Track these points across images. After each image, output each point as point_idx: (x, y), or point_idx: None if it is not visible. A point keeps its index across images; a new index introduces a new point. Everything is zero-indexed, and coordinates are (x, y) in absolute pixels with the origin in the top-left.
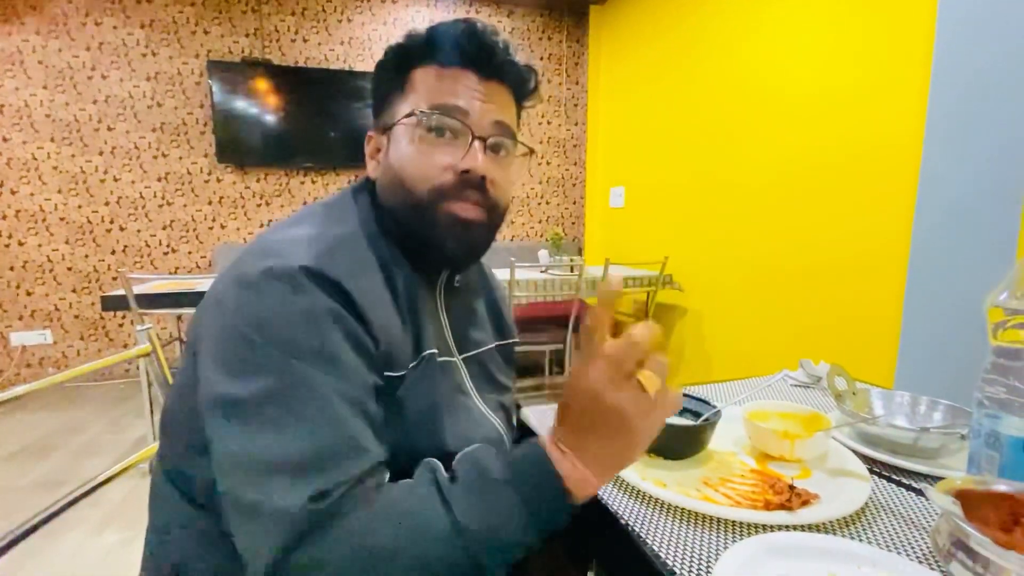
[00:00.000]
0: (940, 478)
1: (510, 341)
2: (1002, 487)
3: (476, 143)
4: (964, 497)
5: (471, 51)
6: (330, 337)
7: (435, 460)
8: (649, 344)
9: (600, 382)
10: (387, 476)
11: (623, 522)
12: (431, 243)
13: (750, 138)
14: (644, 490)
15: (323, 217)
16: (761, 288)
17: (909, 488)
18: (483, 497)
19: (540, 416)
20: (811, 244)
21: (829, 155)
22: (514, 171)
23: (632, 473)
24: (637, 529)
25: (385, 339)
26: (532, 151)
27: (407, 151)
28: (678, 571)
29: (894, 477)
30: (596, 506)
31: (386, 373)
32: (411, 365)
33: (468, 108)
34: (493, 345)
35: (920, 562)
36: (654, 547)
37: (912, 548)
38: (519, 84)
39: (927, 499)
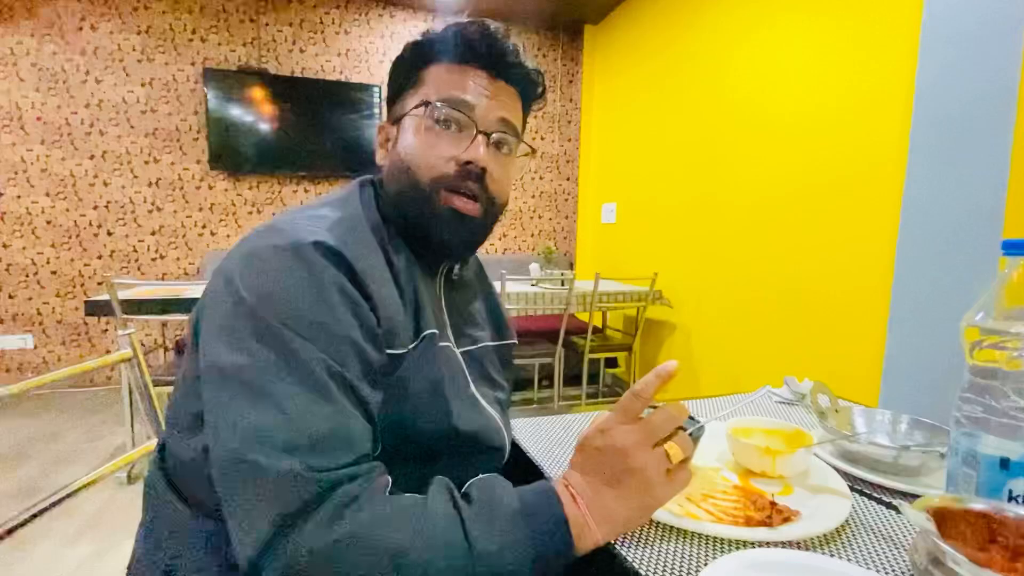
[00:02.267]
0: (920, 496)
1: (509, 342)
2: (978, 505)
3: (480, 137)
4: (941, 515)
5: (482, 50)
6: (335, 312)
7: (448, 480)
8: (680, 421)
9: (632, 442)
10: (388, 478)
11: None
12: (430, 232)
13: (739, 158)
14: None
15: (328, 201)
16: (749, 305)
17: (889, 506)
18: (494, 523)
19: (526, 429)
20: (798, 263)
21: (816, 176)
22: (514, 169)
23: None
24: (617, 544)
25: (387, 316)
26: (534, 151)
27: (413, 140)
28: None
29: (875, 495)
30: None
31: (388, 351)
32: (411, 345)
33: (475, 103)
34: (491, 343)
35: None
36: (634, 563)
37: (891, 566)
38: (526, 86)
39: (903, 514)
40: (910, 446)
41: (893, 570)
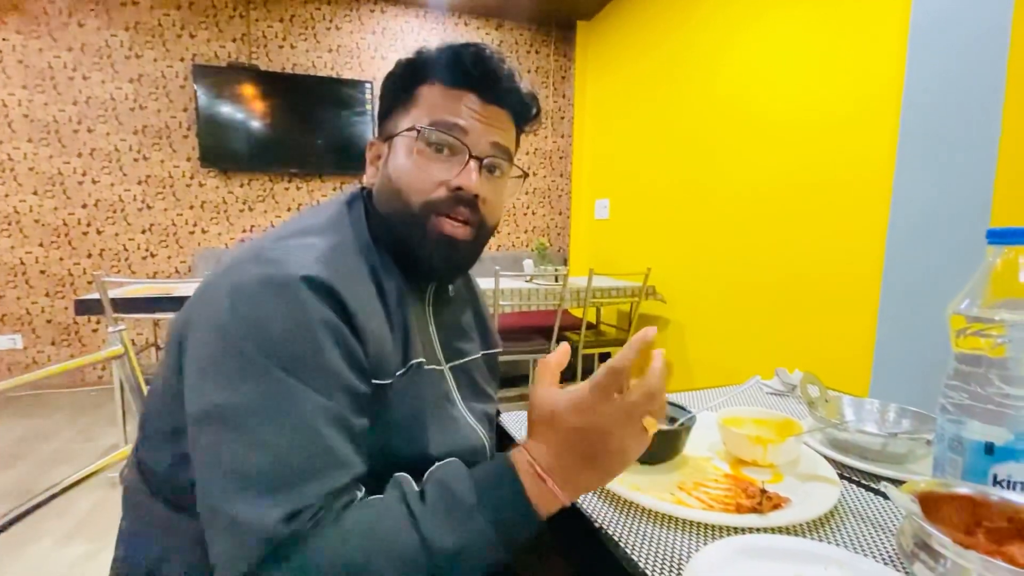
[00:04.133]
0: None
1: (495, 351)
2: (964, 489)
3: (472, 162)
4: (927, 499)
5: (476, 74)
6: (324, 348)
7: (405, 475)
8: (661, 393)
9: (616, 423)
10: (361, 492)
11: (596, 525)
12: (419, 255)
13: (731, 154)
14: (619, 494)
15: (317, 225)
16: (742, 300)
17: (877, 492)
18: (450, 518)
19: (517, 422)
20: (790, 257)
21: (806, 171)
22: (507, 191)
23: None
24: (610, 532)
25: (376, 348)
26: (527, 174)
27: (405, 163)
28: (650, 573)
29: (863, 482)
30: (570, 510)
31: (374, 381)
32: (398, 373)
33: (467, 127)
34: (479, 355)
35: (886, 563)
36: (627, 550)
37: (878, 550)
38: (520, 110)
39: (890, 500)
40: (898, 434)
41: (881, 554)
